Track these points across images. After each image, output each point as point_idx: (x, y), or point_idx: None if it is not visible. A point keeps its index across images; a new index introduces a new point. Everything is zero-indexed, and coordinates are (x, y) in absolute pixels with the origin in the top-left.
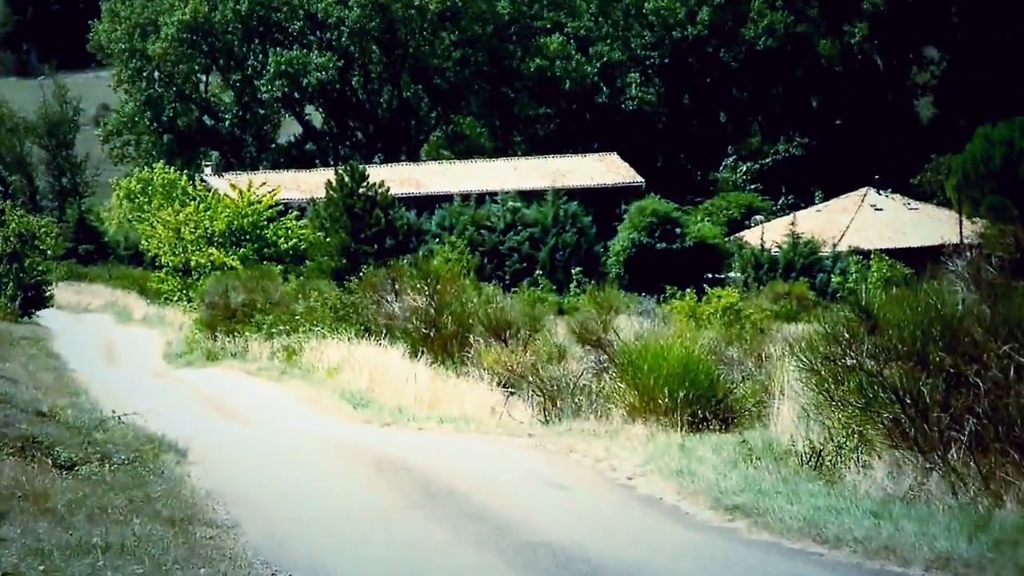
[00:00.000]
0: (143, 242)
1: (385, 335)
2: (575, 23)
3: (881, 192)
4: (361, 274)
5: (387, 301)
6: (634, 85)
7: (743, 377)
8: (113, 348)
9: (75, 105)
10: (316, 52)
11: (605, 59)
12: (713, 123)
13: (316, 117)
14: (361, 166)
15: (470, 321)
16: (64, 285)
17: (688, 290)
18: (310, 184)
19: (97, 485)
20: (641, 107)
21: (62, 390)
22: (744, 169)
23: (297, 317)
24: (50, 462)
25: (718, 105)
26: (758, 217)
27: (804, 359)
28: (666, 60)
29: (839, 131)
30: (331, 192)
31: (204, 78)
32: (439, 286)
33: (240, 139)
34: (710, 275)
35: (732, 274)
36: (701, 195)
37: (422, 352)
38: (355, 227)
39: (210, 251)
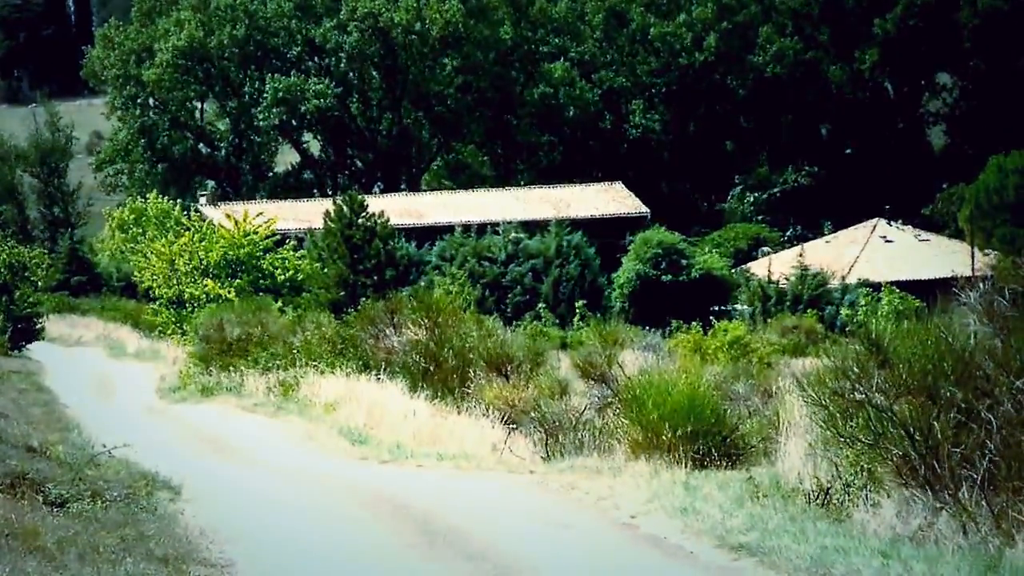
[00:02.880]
0: (136, 273)
1: (384, 369)
2: (579, 49)
3: (891, 223)
4: (360, 307)
5: (386, 334)
6: (638, 112)
7: (749, 413)
8: (106, 382)
9: (68, 133)
10: (314, 78)
11: (609, 85)
12: (720, 152)
13: (314, 145)
14: (360, 196)
15: (471, 355)
16: (55, 317)
17: (694, 323)
18: (308, 214)
19: (88, 523)
20: (646, 135)
21: (53, 425)
22: (751, 199)
23: (294, 351)
24: (40, 499)
25: (725, 133)
26: (765, 248)
27: (812, 394)
28: (672, 87)
29: (849, 160)
30: (329, 222)
31: (200, 105)
32: (439, 319)
33: (236, 168)
34: (716, 308)
35: (739, 306)
36: (707, 226)
37: (422, 387)
38: (354, 258)
39: (205, 283)
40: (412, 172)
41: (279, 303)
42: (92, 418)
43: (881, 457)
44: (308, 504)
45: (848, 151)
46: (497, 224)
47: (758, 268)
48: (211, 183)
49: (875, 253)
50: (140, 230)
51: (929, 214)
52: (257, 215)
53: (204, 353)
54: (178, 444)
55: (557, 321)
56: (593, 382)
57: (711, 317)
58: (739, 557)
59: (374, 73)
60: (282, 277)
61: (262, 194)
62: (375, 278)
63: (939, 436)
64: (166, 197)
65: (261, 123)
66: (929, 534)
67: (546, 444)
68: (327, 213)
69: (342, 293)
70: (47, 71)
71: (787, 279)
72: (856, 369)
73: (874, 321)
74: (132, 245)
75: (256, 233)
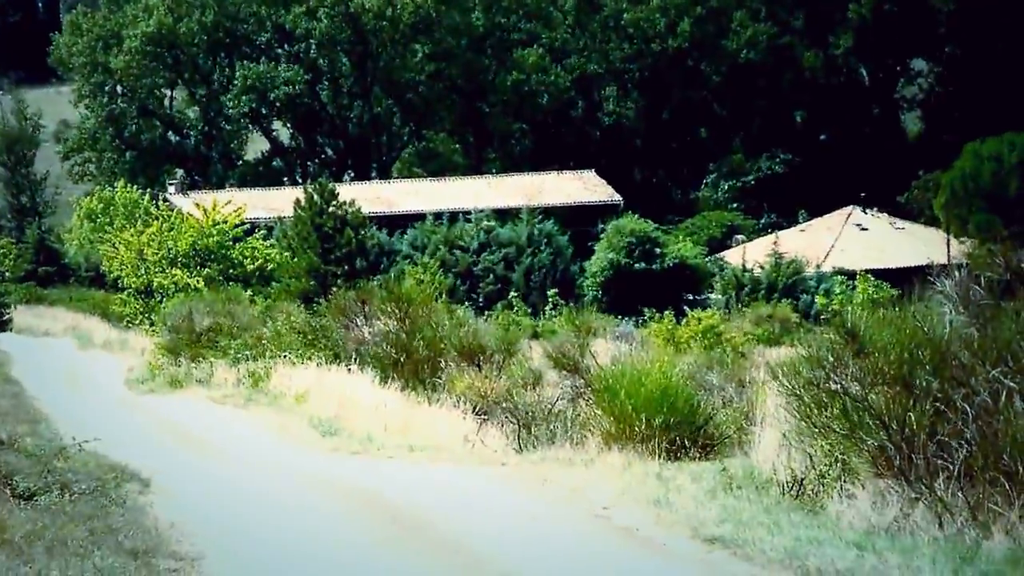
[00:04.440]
0: (104, 263)
1: (355, 360)
2: (551, 35)
3: (866, 211)
4: (330, 296)
5: (357, 325)
6: (612, 99)
7: (724, 403)
8: (74, 374)
9: (35, 121)
10: (284, 65)
11: (581, 72)
12: (694, 139)
13: (284, 133)
14: (330, 184)
15: (442, 345)
16: (23, 308)
17: (667, 312)
18: (278, 202)
19: (56, 516)
20: (619, 122)
21: (21, 417)
22: (726, 187)
23: (264, 341)
24: (8, 492)
25: (699, 120)
26: (740, 237)
27: (786, 384)
28: (645, 73)
29: (823, 147)
30: (299, 211)
31: (168, 93)
32: (410, 309)
33: (206, 156)
34: (690, 296)
35: (713, 295)
36: (681, 214)
37: (393, 378)
38: (324, 247)
39: (174, 272)
40: (383, 160)
41: (249, 293)
42: (60, 410)
43: (856, 447)
44: (278, 496)
45: (823, 138)
46: (469, 212)
47: (732, 256)
48: (180, 171)
49: (850, 241)
50: (108, 219)
51: (904, 202)
52: (226, 204)
53: (173, 344)
54: (147, 436)
55: (529, 310)
56: (566, 372)
57: (685, 306)
58: (712, 549)
59: (344, 60)
60: (252, 266)
61: (232, 182)
62: (346, 267)
63: (915, 426)
64: (134, 186)
65: (231, 111)
66: (905, 525)
67: (518, 435)
68: (297, 201)
69: (312, 283)
70: (14, 58)
71: (762, 267)
72: (831, 358)
73: (849, 309)
74: (100, 234)
75: (226, 222)
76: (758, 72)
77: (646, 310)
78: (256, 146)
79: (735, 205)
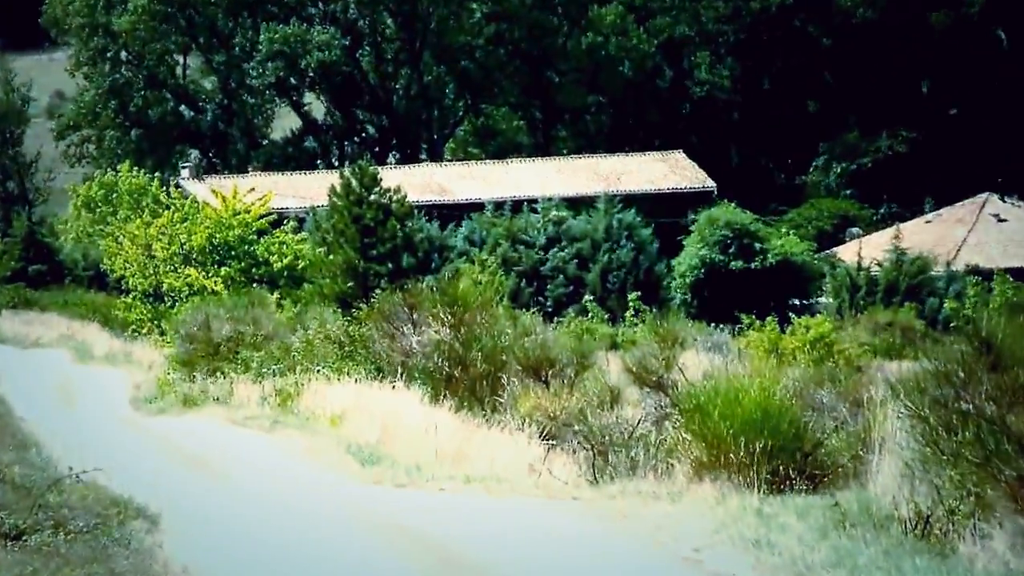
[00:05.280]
0: (106, 261)
1: (401, 375)
2: None
3: (1005, 199)
4: (372, 300)
5: (403, 333)
6: (703, 67)
7: (835, 426)
8: (70, 392)
9: (23, 93)
10: (318, 27)
11: (668, 35)
12: (800, 114)
13: (317, 107)
14: (372, 167)
15: (503, 358)
16: (9, 313)
17: (769, 319)
18: (310, 189)
19: (50, 558)
20: (712, 94)
21: (7, 443)
22: (838, 170)
23: (294, 353)
24: None
25: (806, 92)
26: (855, 229)
27: (909, 403)
28: (742, 36)
29: (954, 123)
30: (335, 199)
31: (181, 60)
32: (466, 315)
33: (225, 134)
34: (796, 300)
35: (822, 299)
36: (785, 203)
37: (445, 396)
38: (364, 242)
39: (187, 272)
40: (434, 139)
41: (276, 296)
42: (54, 434)
43: (992, 478)
44: (310, 537)
45: (953, 112)
46: (535, 201)
47: (845, 253)
48: (195, 153)
49: (986, 234)
50: (111, 209)
51: None
52: (249, 191)
53: (186, 356)
54: (156, 465)
55: (606, 316)
56: (649, 389)
57: (789, 311)
58: None
59: (388, 20)
60: (279, 265)
61: (255, 165)
62: (390, 266)
63: None
64: (141, 169)
65: (254, 81)
66: None
67: (593, 464)
68: (333, 188)
69: (351, 284)
70: None
71: (880, 266)
72: (962, 374)
73: (984, 315)
74: (101, 227)
75: (248, 212)
76: (876, 34)
77: (744, 316)
78: (284, 123)
79: (849, 192)
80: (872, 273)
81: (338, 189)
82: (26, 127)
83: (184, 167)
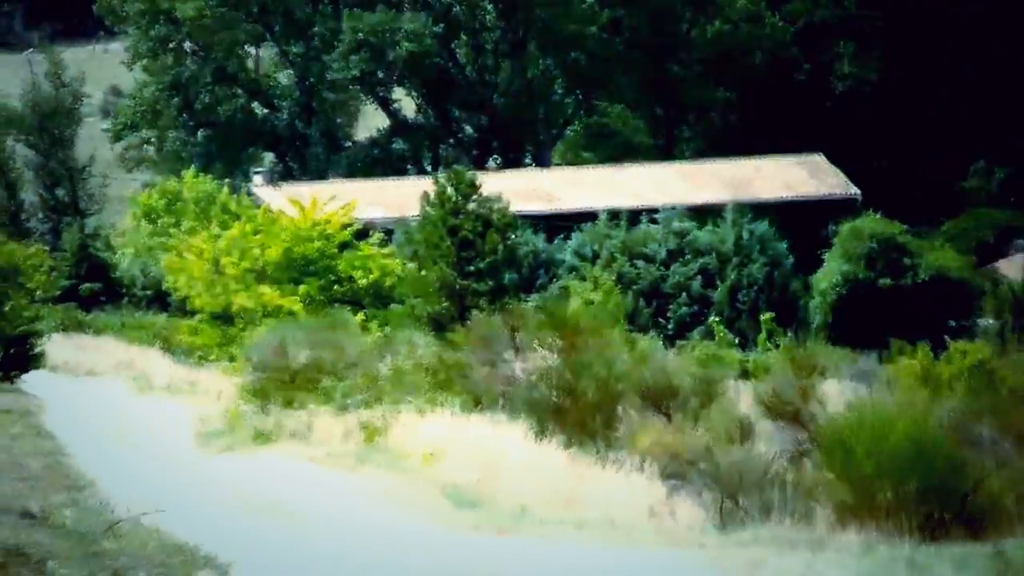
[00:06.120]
0: (168, 278)
1: (502, 407)
2: None
3: None
4: (469, 322)
5: (504, 360)
6: (847, 58)
7: (998, 464)
8: (128, 426)
9: (75, 89)
10: (408, 15)
11: (807, 21)
12: (957, 112)
13: (408, 105)
14: (470, 173)
15: (619, 387)
16: (59, 338)
17: (921, 343)
18: (399, 197)
19: None
20: (857, 89)
21: (58, 483)
22: (1001, 175)
23: (381, 382)
24: None
25: (964, 87)
26: (1020, 242)
27: None
28: (893, 22)
29: None
30: (428, 208)
31: (254, 52)
32: (577, 339)
33: (303, 136)
34: (952, 322)
35: (982, 320)
36: (940, 212)
37: (553, 430)
38: (461, 257)
39: (261, 290)
40: (540, 141)
41: (361, 317)
42: (109, 473)
43: None
44: None
45: None
46: (655, 210)
47: (1009, 268)
48: (269, 156)
49: None
50: (173, 220)
51: None
52: (331, 199)
53: (259, 385)
54: (224, 508)
55: (736, 340)
56: (784, 423)
57: (945, 334)
58: None
59: (488, 6)
60: (364, 282)
61: (338, 170)
62: (490, 283)
63: None
64: (208, 175)
65: (336, 75)
66: None
67: (721, 507)
68: (425, 196)
69: (446, 304)
70: (48, 5)
71: None
72: None
73: None
74: (163, 240)
75: (329, 223)
76: None
77: (893, 340)
78: (370, 122)
79: (1012, 200)
80: None
81: (431, 197)
82: (78, 127)
83: (257, 173)
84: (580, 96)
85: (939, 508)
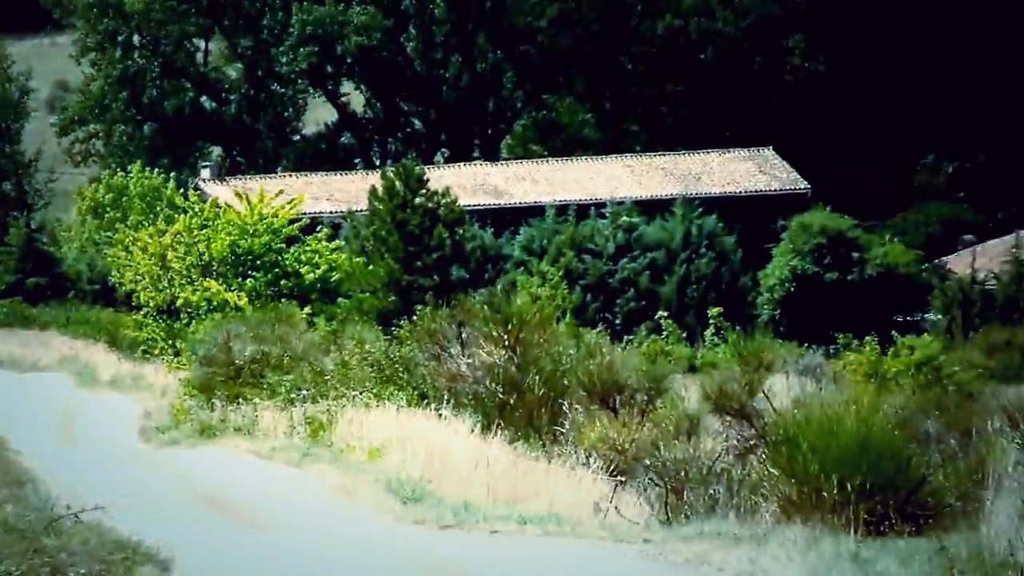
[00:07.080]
0: (114, 273)
1: (448, 402)
2: None
3: None
4: (416, 317)
5: (451, 355)
6: (798, 52)
7: (944, 460)
8: (72, 420)
9: (22, 83)
10: (356, 8)
11: (756, 15)
12: (907, 107)
13: (356, 99)
14: (418, 167)
15: (565, 382)
16: (4, 333)
17: (868, 338)
18: (347, 191)
19: None
20: (807, 83)
21: (0, 479)
22: (950, 170)
23: (327, 377)
24: None
25: (914, 82)
26: (968, 237)
27: None
28: (843, 16)
29: None
30: (376, 203)
31: (202, 45)
32: (523, 334)
33: (251, 129)
34: (899, 317)
35: (930, 315)
36: (888, 207)
37: (498, 425)
38: (409, 251)
39: (206, 284)
40: (488, 134)
41: (307, 312)
42: (52, 469)
43: None
44: None
45: None
46: (603, 205)
47: (957, 263)
48: (216, 150)
49: None
50: (120, 214)
51: None
52: (278, 193)
53: (204, 380)
54: (168, 503)
55: (684, 335)
56: (731, 419)
57: (892, 330)
58: None
59: (438, 0)
60: (311, 276)
61: (285, 164)
62: (437, 278)
63: None
64: (155, 169)
65: (284, 68)
66: None
67: (666, 502)
68: (373, 190)
69: (393, 298)
70: None
71: (997, 278)
72: None
73: None
74: (109, 235)
75: (276, 217)
76: (996, 16)
77: (840, 335)
78: (318, 115)
79: (961, 194)
80: (988, 286)
81: (379, 191)
82: (24, 122)
83: (204, 167)
84: (529, 89)
85: (884, 504)
